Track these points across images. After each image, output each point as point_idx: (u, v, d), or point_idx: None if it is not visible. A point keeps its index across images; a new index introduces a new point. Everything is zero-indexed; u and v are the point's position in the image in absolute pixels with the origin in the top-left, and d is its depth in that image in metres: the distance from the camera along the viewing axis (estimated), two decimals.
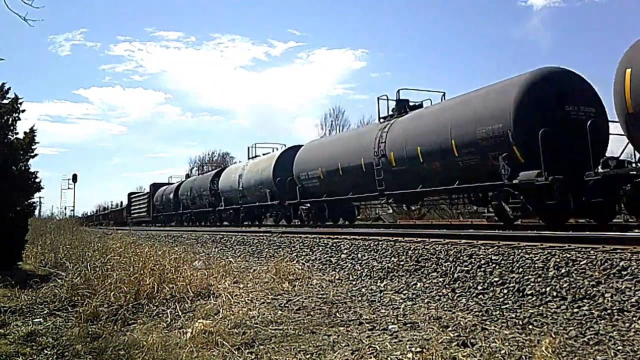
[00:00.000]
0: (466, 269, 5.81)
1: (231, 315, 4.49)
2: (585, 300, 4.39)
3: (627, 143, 8.32)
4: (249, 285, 6.19)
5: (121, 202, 66.25)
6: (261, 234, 12.25)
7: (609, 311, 4.11)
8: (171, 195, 34.95)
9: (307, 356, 3.43)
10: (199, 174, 34.98)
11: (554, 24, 75.41)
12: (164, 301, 5.24)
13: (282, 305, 5.08)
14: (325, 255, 8.32)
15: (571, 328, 3.89)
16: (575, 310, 4.28)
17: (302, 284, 6.30)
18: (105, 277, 5.69)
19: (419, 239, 7.69)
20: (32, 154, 8.71)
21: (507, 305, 4.70)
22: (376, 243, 7.89)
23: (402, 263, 6.71)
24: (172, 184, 38.31)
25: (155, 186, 41.49)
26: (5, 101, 8.54)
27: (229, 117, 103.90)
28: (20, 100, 8.57)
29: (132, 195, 49.49)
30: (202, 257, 8.58)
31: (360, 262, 7.38)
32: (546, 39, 72.59)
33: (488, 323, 4.14)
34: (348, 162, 15.11)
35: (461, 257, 6.10)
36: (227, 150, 73.14)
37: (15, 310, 5.29)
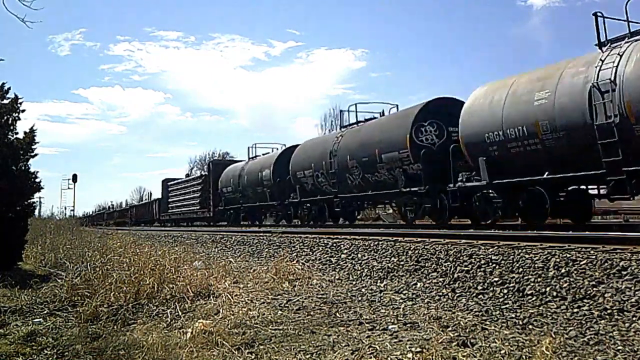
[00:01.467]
0: (466, 269, 5.81)
1: (231, 315, 4.49)
2: (585, 300, 4.39)
3: None
4: (249, 285, 6.19)
5: (150, 194, 53.77)
6: (261, 234, 12.25)
7: (609, 311, 4.11)
8: (264, 174, 20.57)
9: (307, 356, 3.42)
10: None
11: (554, 23, 75.29)
12: (164, 301, 5.24)
13: (282, 305, 5.08)
14: (325, 255, 8.31)
15: (571, 328, 3.88)
16: (575, 310, 4.28)
17: (302, 284, 6.29)
18: (105, 277, 5.69)
19: (419, 239, 7.69)
20: (32, 154, 8.71)
21: (507, 305, 4.70)
22: (376, 243, 7.89)
23: (402, 263, 6.71)
24: (254, 157, 23.11)
25: (217, 165, 27.73)
26: (5, 101, 8.54)
27: (228, 117, 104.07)
28: (20, 100, 8.58)
29: (171, 183, 35.40)
30: (202, 257, 8.58)
31: (360, 262, 7.38)
32: (546, 38, 72.37)
33: (488, 323, 4.14)
34: None
35: (461, 257, 6.10)
36: (227, 150, 72.81)
37: (15, 310, 5.29)
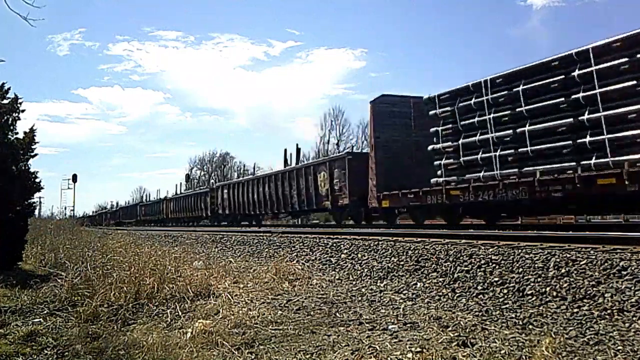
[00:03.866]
0: (466, 269, 5.81)
1: (231, 315, 4.49)
2: (585, 300, 4.39)
3: None
4: (249, 285, 6.19)
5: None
6: (261, 234, 12.25)
7: (609, 311, 4.11)
8: None
9: (307, 356, 3.42)
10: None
11: (553, 23, 75.25)
12: (164, 301, 5.24)
13: (282, 305, 5.08)
14: (325, 255, 8.31)
15: (571, 328, 3.89)
16: (575, 310, 4.28)
17: (302, 284, 6.30)
18: (105, 277, 5.68)
19: (419, 239, 7.69)
20: (32, 154, 8.70)
21: (507, 305, 4.70)
22: (376, 243, 7.89)
23: (402, 263, 6.71)
24: None
25: None
26: (5, 101, 8.54)
27: (228, 117, 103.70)
28: (20, 100, 8.57)
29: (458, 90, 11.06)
30: (202, 257, 8.58)
31: (360, 262, 7.38)
32: (546, 38, 72.31)
33: (488, 323, 4.14)
34: None
35: (461, 257, 6.10)
36: (227, 150, 72.55)
37: (15, 310, 5.28)
